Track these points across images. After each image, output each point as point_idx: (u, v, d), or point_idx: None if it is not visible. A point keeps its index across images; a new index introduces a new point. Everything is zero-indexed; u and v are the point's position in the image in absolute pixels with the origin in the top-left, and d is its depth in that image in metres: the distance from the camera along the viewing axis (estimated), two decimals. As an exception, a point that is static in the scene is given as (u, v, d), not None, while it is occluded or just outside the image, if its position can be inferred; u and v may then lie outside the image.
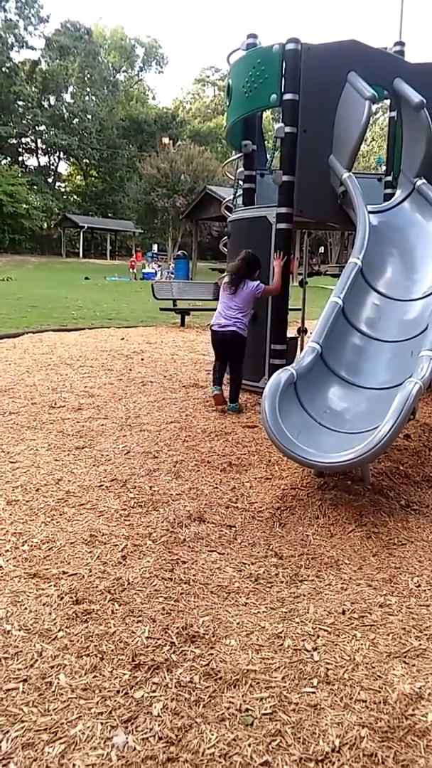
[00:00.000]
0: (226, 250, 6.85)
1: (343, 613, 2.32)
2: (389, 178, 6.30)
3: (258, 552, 2.80)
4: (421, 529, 3.05)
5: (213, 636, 2.16)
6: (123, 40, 62.24)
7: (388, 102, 6.40)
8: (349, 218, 5.40)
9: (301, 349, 7.21)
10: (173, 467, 3.79)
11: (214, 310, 5.59)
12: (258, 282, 5.35)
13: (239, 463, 3.91)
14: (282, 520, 3.12)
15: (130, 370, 6.96)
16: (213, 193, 27.68)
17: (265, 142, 7.30)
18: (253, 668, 2.00)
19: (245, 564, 2.68)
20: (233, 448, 4.19)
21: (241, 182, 6.68)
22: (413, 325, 4.33)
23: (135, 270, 34.89)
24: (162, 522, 3.03)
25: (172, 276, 30.81)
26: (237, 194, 6.92)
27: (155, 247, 45.33)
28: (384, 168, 6.76)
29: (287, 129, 5.31)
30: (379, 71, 5.50)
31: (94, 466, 3.79)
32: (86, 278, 30.12)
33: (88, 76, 55.15)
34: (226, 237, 6.88)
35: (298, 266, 17.16)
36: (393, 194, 5.92)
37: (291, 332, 6.40)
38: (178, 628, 2.19)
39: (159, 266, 36.39)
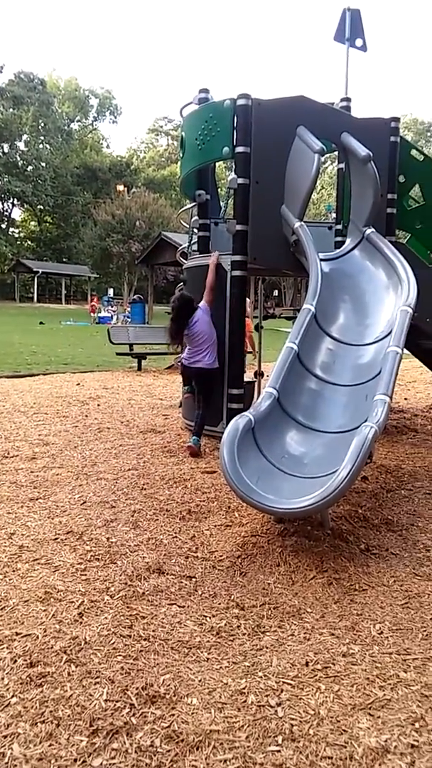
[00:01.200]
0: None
1: (307, 664, 2.28)
2: (339, 226, 6.51)
3: (219, 603, 2.74)
4: (381, 573, 3.05)
5: (174, 695, 2.09)
6: (77, 91, 63.40)
7: (336, 153, 6.65)
8: (301, 265, 5.54)
9: (259, 392, 7.27)
10: (131, 517, 3.71)
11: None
12: (199, 306, 5.53)
13: (199, 511, 3.86)
14: (243, 569, 3.08)
15: (86, 416, 6.88)
16: (168, 239, 28.07)
17: (219, 190, 7.48)
18: (216, 728, 1.94)
19: (206, 617, 2.62)
20: (192, 495, 4.14)
21: (195, 230, 6.80)
22: (367, 369, 4.41)
23: (95, 314, 34.93)
24: (120, 575, 2.95)
25: (129, 320, 30.89)
26: (192, 242, 7.04)
27: (111, 292, 45.47)
28: (334, 215, 6.99)
29: (240, 180, 5.45)
30: (327, 125, 5.74)
31: (48, 518, 3.69)
32: (41, 323, 29.87)
33: (42, 125, 55.78)
34: (182, 283, 6.96)
35: (253, 310, 17.40)
36: (343, 242, 6.13)
37: (248, 376, 6.47)
38: (137, 688, 2.11)
39: (114, 310, 36.46)
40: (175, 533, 3.49)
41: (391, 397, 3.73)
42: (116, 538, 3.38)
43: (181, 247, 7.48)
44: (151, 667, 2.24)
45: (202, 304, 5.55)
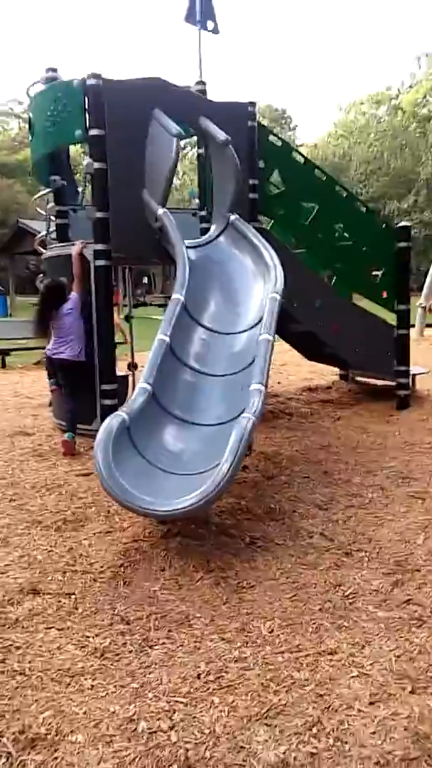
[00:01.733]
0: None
1: (199, 677, 2.17)
2: (204, 212, 6.41)
3: (102, 620, 2.56)
4: (267, 566, 3.00)
5: (56, 734, 1.90)
6: None
7: (196, 137, 6.54)
8: (168, 253, 5.40)
9: (134, 385, 7.06)
10: (-1, 534, 3.41)
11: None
12: (70, 296, 5.25)
13: (75, 519, 3.62)
14: (126, 578, 2.90)
15: None
16: (26, 227, 26.83)
17: (76, 175, 7.13)
18: (105, 766, 1.77)
19: (89, 637, 2.43)
20: (68, 502, 3.89)
21: (53, 218, 6.43)
22: (240, 357, 4.36)
23: None
24: (-11, 602, 2.67)
25: (-10, 312, 29.16)
26: (50, 230, 6.66)
27: (-31, 284, 42.77)
28: (197, 200, 6.90)
29: (96, 165, 5.17)
30: (183, 108, 5.60)
31: None
32: None
33: None
34: (41, 274, 6.59)
35: (123, 298, 17.02)
36: (209, 228, 6.06)
37: (121, 369, 6.25)
38: (14, 733, 1.89)
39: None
40: (51, 547, 3.25)
41: (266, 386, 3.69)
42: (-17, 560, 3.08)
43: (38, 236, 7.05)
44: (28, 706, 2.03)
45: (73, 294, 5.26)
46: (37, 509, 3.76)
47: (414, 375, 7.02)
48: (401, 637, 2.42)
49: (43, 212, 6.93)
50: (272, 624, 2.51)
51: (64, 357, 5.21)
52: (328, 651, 2.31)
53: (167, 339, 4.13)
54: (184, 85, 6.36)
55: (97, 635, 2.44)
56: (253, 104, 6.26)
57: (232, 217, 5.55)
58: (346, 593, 2.76)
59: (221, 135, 5.41)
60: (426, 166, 36.47)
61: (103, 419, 5.32)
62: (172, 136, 5.08)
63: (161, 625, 2.52)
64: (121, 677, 2.18)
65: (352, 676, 2.15)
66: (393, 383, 6.73)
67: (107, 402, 5.29)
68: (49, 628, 2.50)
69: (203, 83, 6.65)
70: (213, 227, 5.75)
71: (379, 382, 7.32)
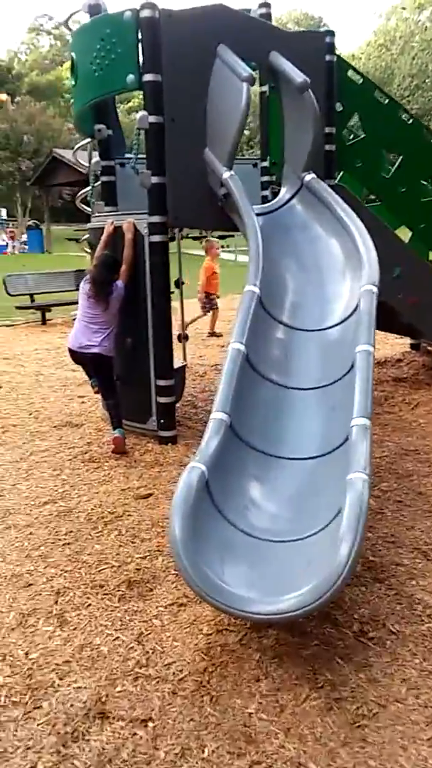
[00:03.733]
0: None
1: None
2: (266, 163, 5.51)
3: (191, 774, 2.00)
4: (388, 677, 2.37)
5: None
6: None
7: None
8: (231, 222, 4.60)
9: (185, 359, 6.39)
10: (55, 603, 2.83)
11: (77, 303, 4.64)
12: (116, 283, 4.55)
13: (141, 579, 3.01)
14: (212, 691, 2.32)
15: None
16: (61, 157, 25.68)
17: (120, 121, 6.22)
18: None
19: None
20: (130, 548, 3.29)
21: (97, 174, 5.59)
22: (333, 363, 3.57)
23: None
24: (49, 734, 2.12)
25: (26, 248, 28.57)
26: (95, 185, 5.82)
27: (4, 212, 41.83)
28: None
29: (152, 119, 4.34)
30: (252, 43, 4.68)
31: None
32: None
33: None
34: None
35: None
36: (270, 182, 5.23)
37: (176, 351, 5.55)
38: None
39: (13, 234, 33.16)
40: (116, 629, 2.66)
41: (370, 418, 2.97)
42: (38, 651, 2.53)
43: (81, 193, 6.21)
44: None
45: (119, 282, 4.52)
46: (95, 561, 3.16)
47: None
48: None
49: (84, 163, 6.08)
50: (415, 792, 1.91)
51: (98, 352, 4.47)
52: None
53: (243, 349, 3.40)
54: (244, 8, 5.33)
55: (188, 810, 1.88)
56: (332, 34, 5.26)
57: (308, 177, 4.68)
58: None
59: (299, 77, 4.48)
60: (475, 80, 33.62)
61: (159, 417, 4.73)
62: (243, 80, 4.19)
63: (268, 788, 1.94)
64: None
65: None
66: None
67: (163, 400, 4.65)
68: (126, 790, 1.94)
69: (268, 5, 5.54)
70: (283, 190, 4.89)
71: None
